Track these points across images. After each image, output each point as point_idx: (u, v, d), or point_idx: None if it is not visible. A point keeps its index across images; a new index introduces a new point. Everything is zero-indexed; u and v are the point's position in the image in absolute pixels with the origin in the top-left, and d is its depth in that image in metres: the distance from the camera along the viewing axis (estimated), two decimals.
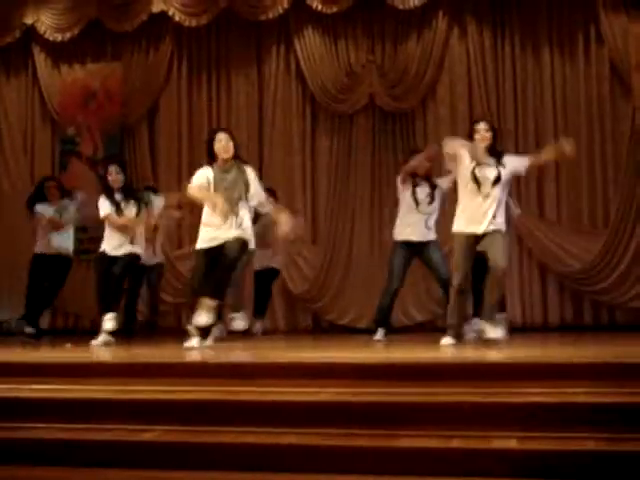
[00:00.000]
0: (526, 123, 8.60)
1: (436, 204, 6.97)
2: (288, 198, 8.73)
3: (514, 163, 6.09)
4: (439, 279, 6.90)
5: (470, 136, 6.07)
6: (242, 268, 6.80)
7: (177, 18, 9.18)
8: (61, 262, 8.20)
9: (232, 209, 5.87)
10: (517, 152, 8.51)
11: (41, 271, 8.20)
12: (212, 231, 5.94)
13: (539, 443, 3.60)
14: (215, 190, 5.94)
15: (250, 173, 6.08)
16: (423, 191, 6.95)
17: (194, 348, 5.85)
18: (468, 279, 6.08)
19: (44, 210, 8.19)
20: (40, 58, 9.85)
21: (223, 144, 5.99)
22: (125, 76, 9.59)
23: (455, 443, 3.66)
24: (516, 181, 7.85)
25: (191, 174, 9.34)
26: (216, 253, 5.89)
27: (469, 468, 3.51)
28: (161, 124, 9.64)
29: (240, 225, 5.91)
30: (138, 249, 7.03)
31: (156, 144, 9.65)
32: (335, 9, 8.78)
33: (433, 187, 6.96)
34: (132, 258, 6.98)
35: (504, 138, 8.42)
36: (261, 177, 6.82)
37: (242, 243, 5.90)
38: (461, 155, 5.96)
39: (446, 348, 5.77)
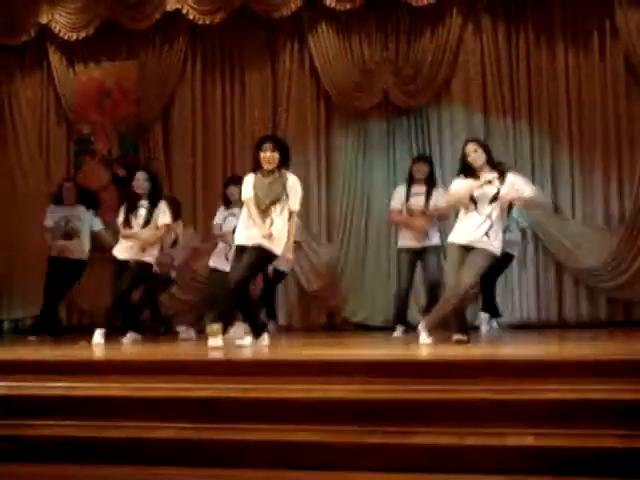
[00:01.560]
0: (540, 119, 8.55)
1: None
2: (303, 196, 8.69)
3: None
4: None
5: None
6: None
7: (191, 16, 9.17)
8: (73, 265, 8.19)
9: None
10: (532, 149, 8.54)
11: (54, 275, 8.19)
12: None
13: (556, 440, 3.59)
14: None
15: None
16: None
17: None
18: None
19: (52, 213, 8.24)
20: (55, 57, 9.86)
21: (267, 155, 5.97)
22: (140, 74, 9.58)
23: (469, 440, 3.65)
24: (532, 178, 7.83)
25: (206, 172, 9.53)
26: None
27: (484, 465, 3.50)
28: (176, 122, 9.64)
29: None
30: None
31: (171, 142, 9.65)
32: (349, 6, 8.74)
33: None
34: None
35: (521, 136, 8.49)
36: None
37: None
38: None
39: (458, 345, 5.74)
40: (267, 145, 5.98)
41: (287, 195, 5.97)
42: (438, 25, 8.76)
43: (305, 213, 8.45)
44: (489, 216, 5.90)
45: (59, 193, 8.28)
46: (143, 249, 7.02)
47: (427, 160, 7.62)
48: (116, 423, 4.15)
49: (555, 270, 8.46)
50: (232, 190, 7.53)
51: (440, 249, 7.34)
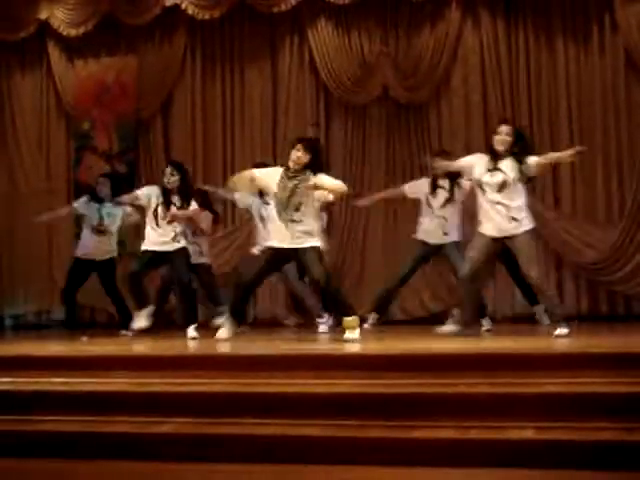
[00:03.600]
0: (540, 113, 8.56)
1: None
2: None
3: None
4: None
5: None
6: None
7: (190, 11, 9.17)
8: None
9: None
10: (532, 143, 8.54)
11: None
12: None
13: (556, 433, 3.60)
14: None
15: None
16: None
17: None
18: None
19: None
20: (54, 53, 9.86)
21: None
22: (139, 70, 9.58)
23: (472, 434, 3.66)
24: None
25: (205, 167, 9.54)
26: None
27: (486, 459, 3.51)
28: (175, 117, 9.64)
29: None
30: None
31: (170, 137, 9.65)
32: (348, 0, 8.75)
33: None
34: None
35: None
36: None
37: None
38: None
39: (461, 339, 5.75)
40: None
41: None
42: (437, 20, 8.76)
43: None
44: None
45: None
46: None
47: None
48: (117, 418, 4.16)
49: (555, 264, 8.46)
50: None
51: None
